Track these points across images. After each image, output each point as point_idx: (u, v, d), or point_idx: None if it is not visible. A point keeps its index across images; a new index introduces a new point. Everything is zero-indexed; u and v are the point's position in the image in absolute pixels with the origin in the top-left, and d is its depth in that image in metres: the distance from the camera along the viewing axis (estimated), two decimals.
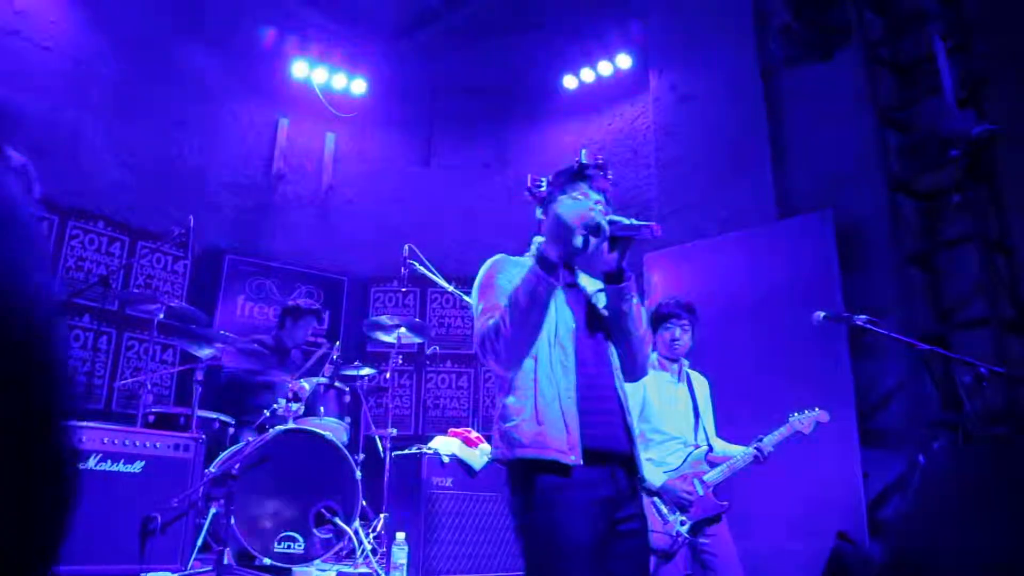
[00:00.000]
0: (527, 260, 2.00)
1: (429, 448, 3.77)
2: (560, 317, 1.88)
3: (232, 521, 3.43)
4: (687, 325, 3.17)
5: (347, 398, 4.43)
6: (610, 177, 2.02)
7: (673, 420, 3.13)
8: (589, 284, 2.06)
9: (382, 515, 4.03)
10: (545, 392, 1.78)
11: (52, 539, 0.49)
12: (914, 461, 3.95)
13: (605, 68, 7.31)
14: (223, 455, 3.91)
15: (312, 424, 4.06)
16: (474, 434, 3.99)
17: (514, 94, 7.84)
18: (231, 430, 4.37)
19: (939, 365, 3.94)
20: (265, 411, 4.06)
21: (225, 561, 3.43)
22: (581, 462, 1.73)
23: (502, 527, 3.78)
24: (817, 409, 3.17)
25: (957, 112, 4.15)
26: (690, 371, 3.31)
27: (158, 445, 3.37)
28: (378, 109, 7.75)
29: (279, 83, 7.34)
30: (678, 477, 2.99)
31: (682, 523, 2.92)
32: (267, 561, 3.50)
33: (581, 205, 1.86)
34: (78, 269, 5.65)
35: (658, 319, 3.18)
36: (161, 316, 4.21)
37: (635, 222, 1.80)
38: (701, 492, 2.98)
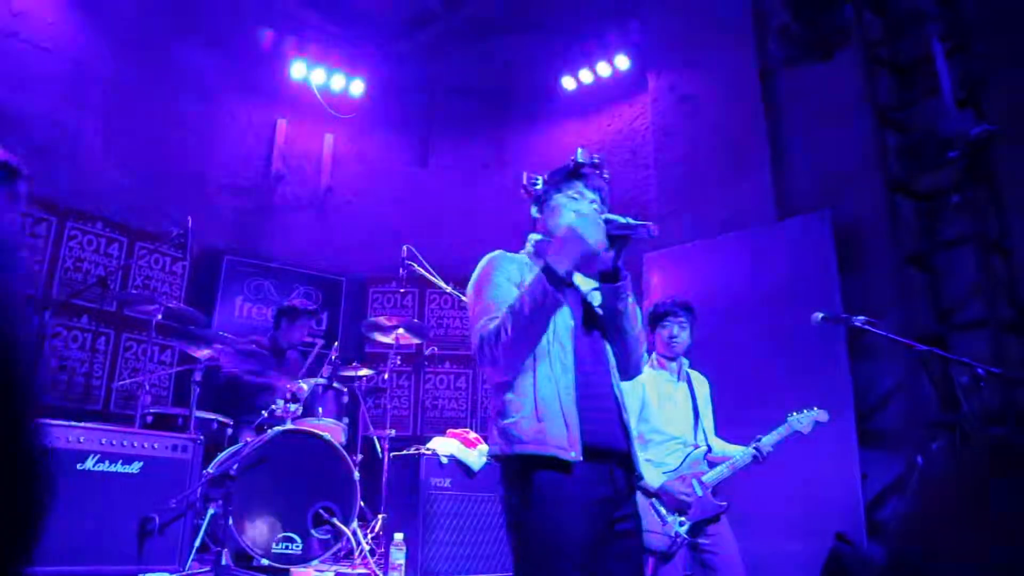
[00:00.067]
0: (524, 257, 2.00)
1: (427, 449, 3.77)
2: (559, 315, 1.87)
3: (230, 522, 3.43)
4: (684, 323, 3.17)
5: (345, 399, 4.43)
6: (606, 176, 2.01)
7: (672, 419, 3.13)
8: (583, 283, 2.06)
9: (380, 516, 4.03)
10: (544, 389, 1.78)
11: (25, 540, 0.48)
12: (912, 462, 3.95)
13: (604, 69, 7.30)
14: (221, 456, 3.91)
15: (310, 425, 4.06)
16: (472, 435, 3.98)
17: (513, 95, 7.84)
18: (229, 431, 4.37)
19: (937, 366, 3.93)
20: (263, 412, 4.06)
21: (223, 562, 3.43)
22: (581, 458, 1.72)
23: (500, 527, 3.77)
24: (816, 409, 3.17)
25: (956, 112, 4.15)
26: (690, 371, 3.31)
27: (156, 446, 3.37)
28: (377, 110, 7.74)
29: (278, 84, 7.34)
30: (677, 478, 2.99)
31: (681, 524, 2.92)
32: (265, 562, 3.50)
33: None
34: (76, 270, 5.64)
35: (655, 318, 3.19)
36: (159, 317, 4.21)
37: (632, 221, 1.79)
38: (700, 493, 2.98)
